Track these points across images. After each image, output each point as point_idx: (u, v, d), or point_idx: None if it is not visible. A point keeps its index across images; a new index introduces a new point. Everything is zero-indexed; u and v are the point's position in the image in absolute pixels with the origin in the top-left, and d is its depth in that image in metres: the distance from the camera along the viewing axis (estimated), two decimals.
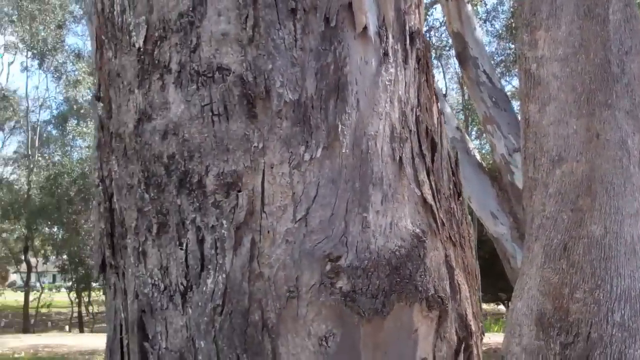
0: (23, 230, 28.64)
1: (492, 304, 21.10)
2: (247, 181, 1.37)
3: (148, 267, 1.47)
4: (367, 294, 1.34)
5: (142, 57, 1.47)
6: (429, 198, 1.46)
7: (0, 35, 31.33)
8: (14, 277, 46.42)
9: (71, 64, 30.94)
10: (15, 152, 33.12)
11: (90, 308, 31.33)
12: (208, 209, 1.39)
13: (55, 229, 28.74)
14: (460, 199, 1.59)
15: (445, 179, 1.55)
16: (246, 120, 1.38)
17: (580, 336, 3.50)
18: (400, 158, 1.44)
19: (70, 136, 30.40)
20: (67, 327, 28.64)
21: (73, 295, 30.48)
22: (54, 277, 42.12)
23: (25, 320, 29.78)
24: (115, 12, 1.53)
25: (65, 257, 29.16)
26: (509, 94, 9.18)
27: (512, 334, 4.09)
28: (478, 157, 7.03)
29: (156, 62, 1.45)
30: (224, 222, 1.37)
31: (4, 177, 30.60)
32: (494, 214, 7.43)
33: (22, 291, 33.55)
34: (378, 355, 1.37)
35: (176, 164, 1.42)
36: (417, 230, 1.42)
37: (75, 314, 31.26)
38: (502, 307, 21.08)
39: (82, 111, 29.19)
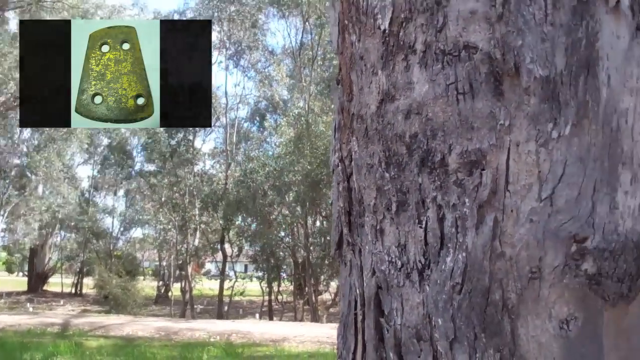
0: (220, 221, 30.34)
1: None
2: (492, 159, 1.36)
3: (385, 245, 1.51)
4: (613, 278, 1.29)
5: (387, 39, 1.51)
6: None
7: None
8: (209, 266, 49.32)
9: (265, 61, 32.35)
10: (215, 147, 35.19)
11: (279, 297, 32.57)
12: (450, 187, 1.40)
13: (249, 221, 30.16)
14: None
15: None
16: (492, 98, 1.37)
17: None
18: None
19: (266, 132, 31.79)
20: (257, 315, 29.92)
21: (264, 284, 31.83)
22: (246, 267, 44.20)
23: (220, 307, 31.49)
24: None
25: (257, 248, 30.52)
26: None
27: None
28: None
29: (401, 43, 1.48)
30: (466, 200, 1.37)
31: (205, 171, 32.58)
32: None
33: (216, 279, 35.55)
34: (620, 342, 1.32)
35: (418, 143, 1.44)
36: None
37: (266, 303, 32.61)
38: None
39: (277, 108, 30.41)
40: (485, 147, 1.37)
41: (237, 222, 30.93)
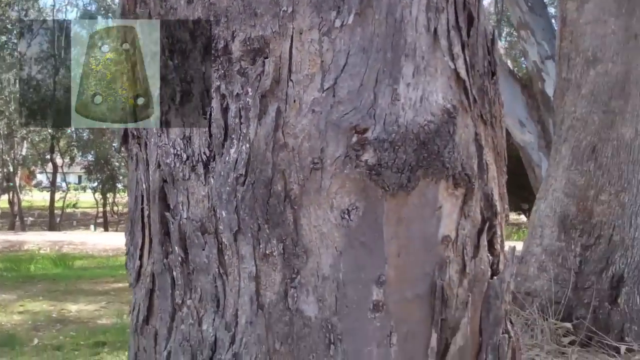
0: (49, 130, 28.91)
1: (513, 214, 21.10)
2: (275, 47, 1.32)
3: (171, 137, 1.45)
4: (393, 168, 1.31)
5: None
6: (463, 73, 1.40)
7: None
8: (40, 177, 47.26)
9: None
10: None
11: (115, 208, 31.95)
12: (233, 77, 1.35)
13: (80, 130, 29.01)
14: (495, 77, 1.52)
15: (481, 55, 1.48)
16: None
17: (602, 238, 3.54)
18: (435, 29, 1.37)
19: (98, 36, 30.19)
20: (92, 227, 29.26)
21: (98, 195, 31.06)
22: (80, 178, 42.78)
23: (51, 219, 30.47)
24: None
25: (90, 158, 29.58)
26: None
27: (533, 235, 4.14)
28: (510, 64, 6.94)
29: None
30: (249, 90, 1.33)
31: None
32: (522, 122, 7.37)
33: (48, 191, 34.21)
34: (400, 230, 1.35)
35: (201, 29, 1.37)
36: (448, 106, 1.37)
37: (101, 214, 31.93)
38: (523, 217, 21.12)
39: (109, 11, 28.92)
40: (268, 35, 1.33)
41: (67, 131, 29.66)
